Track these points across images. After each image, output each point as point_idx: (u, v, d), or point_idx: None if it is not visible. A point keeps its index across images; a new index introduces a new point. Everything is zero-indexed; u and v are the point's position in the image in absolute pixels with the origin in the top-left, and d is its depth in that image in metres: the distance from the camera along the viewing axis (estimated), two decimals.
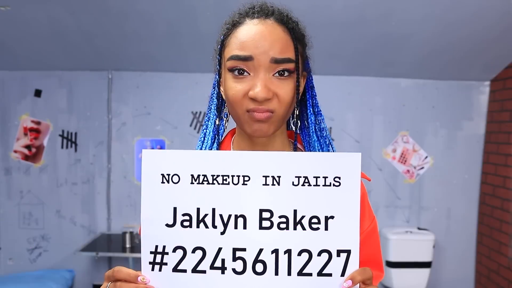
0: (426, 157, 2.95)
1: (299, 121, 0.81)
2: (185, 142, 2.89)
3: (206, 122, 0.83)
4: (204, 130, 0.82)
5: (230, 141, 0.85)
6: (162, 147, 2.91)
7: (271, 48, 0.71)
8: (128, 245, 2.62)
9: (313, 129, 0.82)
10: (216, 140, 0.82)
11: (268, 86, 0.71)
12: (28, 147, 2.96)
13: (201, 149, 0.81)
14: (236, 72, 0.73)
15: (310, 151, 0.82)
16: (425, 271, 2.79)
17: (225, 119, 0.83)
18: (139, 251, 0.64)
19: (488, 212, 2.84)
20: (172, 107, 2.91)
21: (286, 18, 0.76)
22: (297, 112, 0.79)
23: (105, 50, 2.69)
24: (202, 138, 0.83)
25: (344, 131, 2.92)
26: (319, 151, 0.81)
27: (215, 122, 0.82)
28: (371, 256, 0.79)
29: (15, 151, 2.95)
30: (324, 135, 0.83)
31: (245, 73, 0.73)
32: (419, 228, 2.90)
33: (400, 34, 2.40)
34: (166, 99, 2.91)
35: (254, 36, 0.72)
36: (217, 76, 0.80)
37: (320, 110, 0.83)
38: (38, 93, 2.93)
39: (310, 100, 0.83)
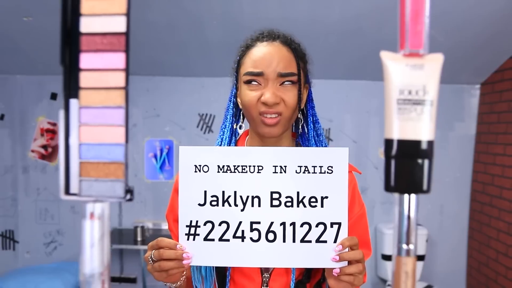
0: None
1: (300, 127, 0.97)
2: (193, 142, 3.06)
3: (223, 128, 0.99)
4: (221, 136, 0.99)
5: (244, 141, 1.01)
6: (170, 147, 3.09)
7: (277, 65, 0.88)
8: (139, 239, 2.79)
9: (312, 135, 0.98)
10: (232, 141, 0.98)
11: (275, 93, 0.88)
12: (44, 147, 3.13)
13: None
14: (250, 84, 0.90)
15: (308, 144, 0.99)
16: (419, 264, 2.94)
17: (240, 123, 0.99)
18: None
19: (478, 208, 3.00)
20: (180, 109, 3.08)
21: (289, 40, 0.93)
22: (300, 117, 0.95)
23: None
24: (220, 140, 0.98)
25: (342, 132, 3.08)
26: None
27: (231, 127, 0.98)
28: (361, 237, 0.92)
29: (33, 151, 3.12)
30: (321, 139, 0.99)
31: (257, 84, 0.89)
32: None
33: (392, 42, 2.56)
34: (174, 102, 3.08)
35: (264, 55, 0.89)
36: (234, 90, 0.97)
37: (318, 119, 1.00)
38: (54, 96, 3.11)
39: (310, 110, 0.99)
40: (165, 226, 3.01)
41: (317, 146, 0.97)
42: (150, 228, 2.98)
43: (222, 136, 0.98)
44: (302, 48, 0.96)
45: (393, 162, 0.31)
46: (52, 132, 3.12)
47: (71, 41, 0.31)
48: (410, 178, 0.31)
